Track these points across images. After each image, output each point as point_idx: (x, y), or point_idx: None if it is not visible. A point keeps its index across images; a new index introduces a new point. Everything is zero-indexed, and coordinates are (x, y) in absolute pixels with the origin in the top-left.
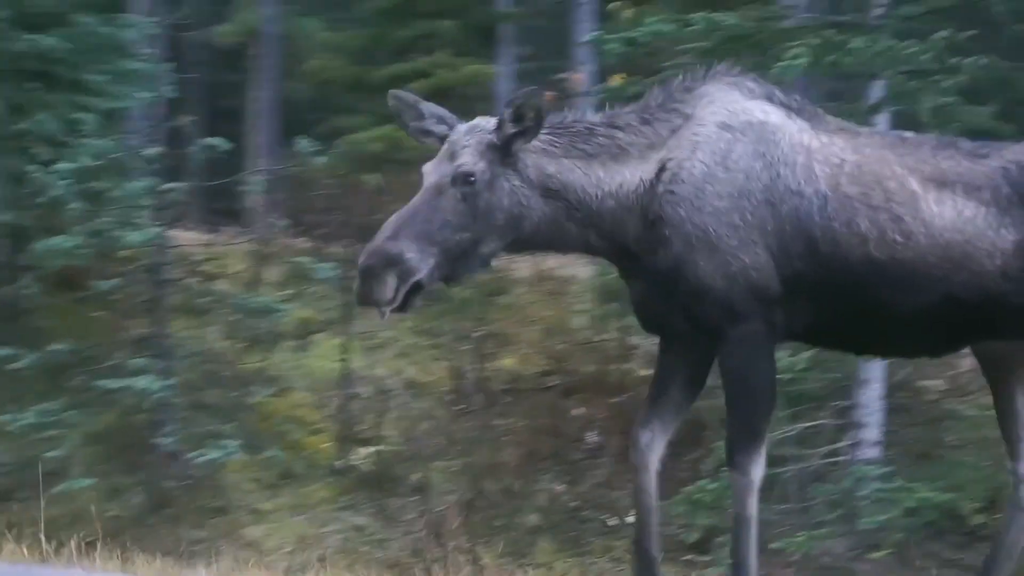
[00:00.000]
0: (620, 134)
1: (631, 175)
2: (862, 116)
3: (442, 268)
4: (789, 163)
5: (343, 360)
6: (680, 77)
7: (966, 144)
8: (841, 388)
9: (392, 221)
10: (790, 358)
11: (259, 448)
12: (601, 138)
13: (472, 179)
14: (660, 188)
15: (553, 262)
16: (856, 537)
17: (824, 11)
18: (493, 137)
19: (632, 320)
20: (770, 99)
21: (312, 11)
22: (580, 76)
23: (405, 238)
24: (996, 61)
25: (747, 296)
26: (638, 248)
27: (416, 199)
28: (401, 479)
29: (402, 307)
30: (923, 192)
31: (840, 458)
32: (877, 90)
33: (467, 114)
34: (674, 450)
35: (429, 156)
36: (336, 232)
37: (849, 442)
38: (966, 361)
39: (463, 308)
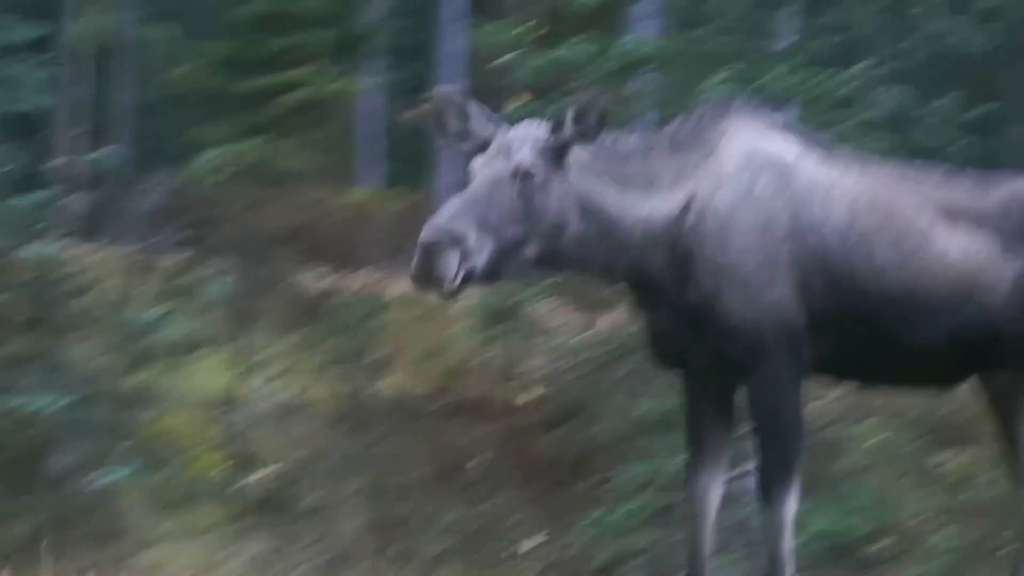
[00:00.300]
0: (652, 163)
1: (659, 206)
2: None
3: (492, 260)
4: (810, 197)
5: (232, 378)
6: (703, 109)
7: (970, 175)
8: (742, 411)
9: (454, 204)
10: None
11: (152, 470)
12: (635, 164)
13: (531, 176)
14: (687, 222)
15: None
16: (760, 563)
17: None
18: (551, 139)
19: (515, 341)
20: (789, 132)
21: (172, 19)
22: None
23: (468, 221)
24: (913, 93)
25: (775, 332)
26: (664, 280)
27: (473, 189)
28: (298, 501)
29: (454, 292)
30: (934, 224)
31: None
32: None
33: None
34: (577, 474)
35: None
36: (215, 245)
37: (743, 469)
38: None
39: (345, 326)
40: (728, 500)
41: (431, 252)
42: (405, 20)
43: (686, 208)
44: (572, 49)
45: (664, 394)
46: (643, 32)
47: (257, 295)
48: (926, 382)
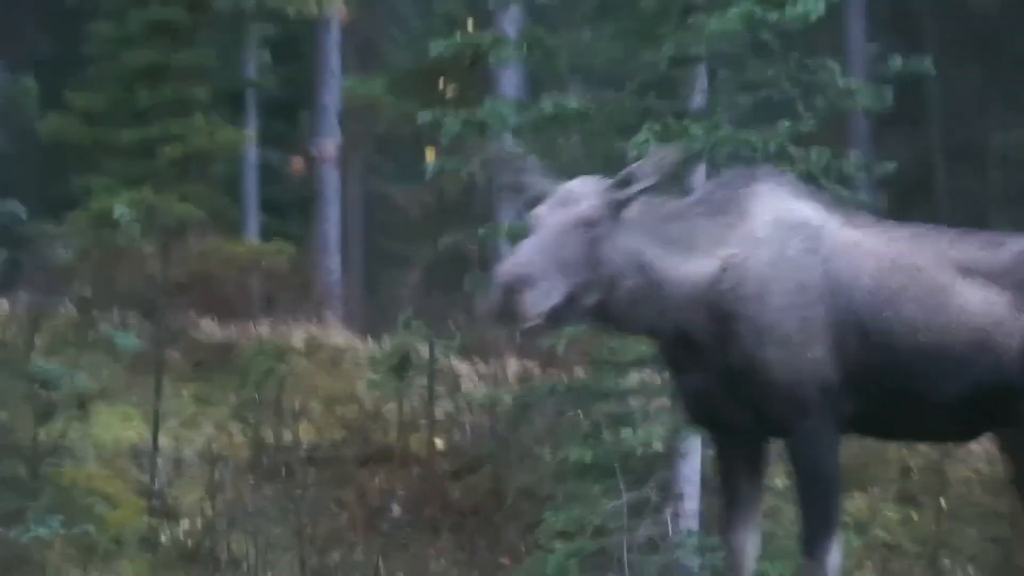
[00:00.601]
0: (690, 225)
1: (699, 268)
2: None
3: (560, 304)
4: (838, 258)
5: (142, 429)
6: (732, 174)
7: (980, 234)
8: (664, 459)
9: (527, 246)
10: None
11: (72, 523)
12: (677, 225)
13: (595, 226)
14: (725, 285)
15: (329, 331)
16: None
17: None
18: (614, 192)
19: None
20: (811, 198)
21: (45, 70)
22: (329, 146)
23: (541, 263)
24: (835, 152)
25: (814, 390)
26: (704, 340)
27: (542, 234)
28: (220, 552)
29: (532, 330)
30: (953, 280)
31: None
32: (700, 176)
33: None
34: (501, 519)
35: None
36: (116, 297)
37: (671, 512)
38: None
39: (253, 375)
40: (652, 548)
41: (510, 291)
42: (283, 71)
43: (724, 270)
44: (492, 108)
45: (587, 442)
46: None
47: (161, 346)
48: (943, 436)
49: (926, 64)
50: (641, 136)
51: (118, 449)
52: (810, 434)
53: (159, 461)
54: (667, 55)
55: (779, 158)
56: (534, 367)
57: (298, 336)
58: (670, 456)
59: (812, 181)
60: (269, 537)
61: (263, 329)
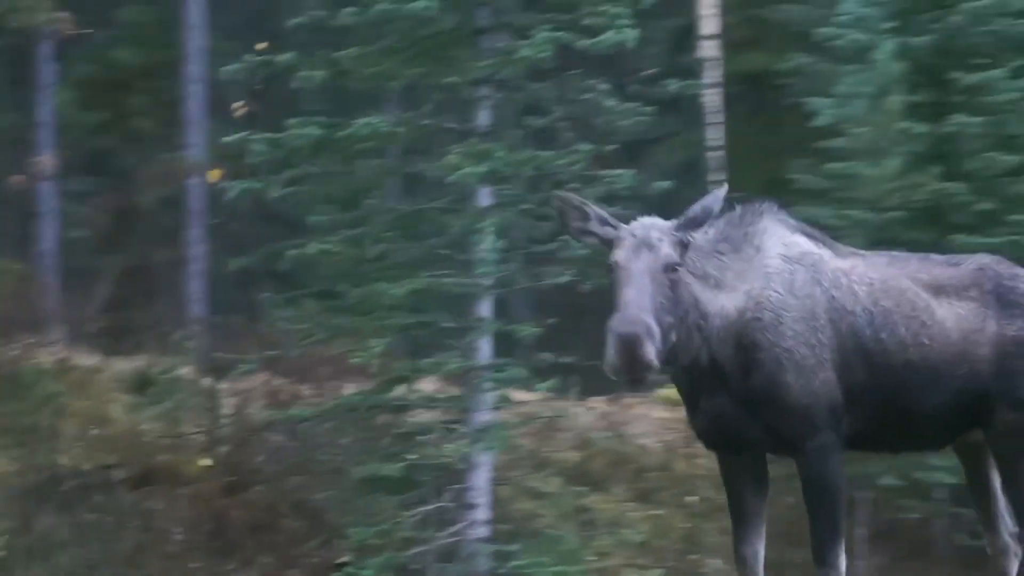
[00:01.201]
0: (718, 261)
1: (730, 302)
2: (472, 218)
3: (664, 348)
4: (837, 286)
5: None
6: (741, 211)
7: (935, 256)
8: (458, 472)
9: (633, 298)
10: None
11: None
12: (712, 262)
13: (678, 269)
14: (747, 316)
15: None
16: None
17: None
18: (682, 233)
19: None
20: (804, 232)
21: None
22: (46, 162)
23: (649, 313)
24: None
25: (824, 409)
26: (730, 369)
27: (639, 283)
28: None
29: (648, 377)
30: (928, 299)
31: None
32: (484, 196)
33: None
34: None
35: None
36: None
37: (465, 523)
38: None
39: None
40: (447, 557)
41: (634, 344)
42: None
43: (746, 302)
44: (298, 132)
45: (383, 455)
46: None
47: None
48: (925, 445)
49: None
50: (453, 159)
51: None
52: (820, 450)
53: None
54: (460, 79)
55: (582, 180)
56: (286, 383)
57: (45, 357)
58: (463, 468)
59: (614, 202)
60: (53, 565)
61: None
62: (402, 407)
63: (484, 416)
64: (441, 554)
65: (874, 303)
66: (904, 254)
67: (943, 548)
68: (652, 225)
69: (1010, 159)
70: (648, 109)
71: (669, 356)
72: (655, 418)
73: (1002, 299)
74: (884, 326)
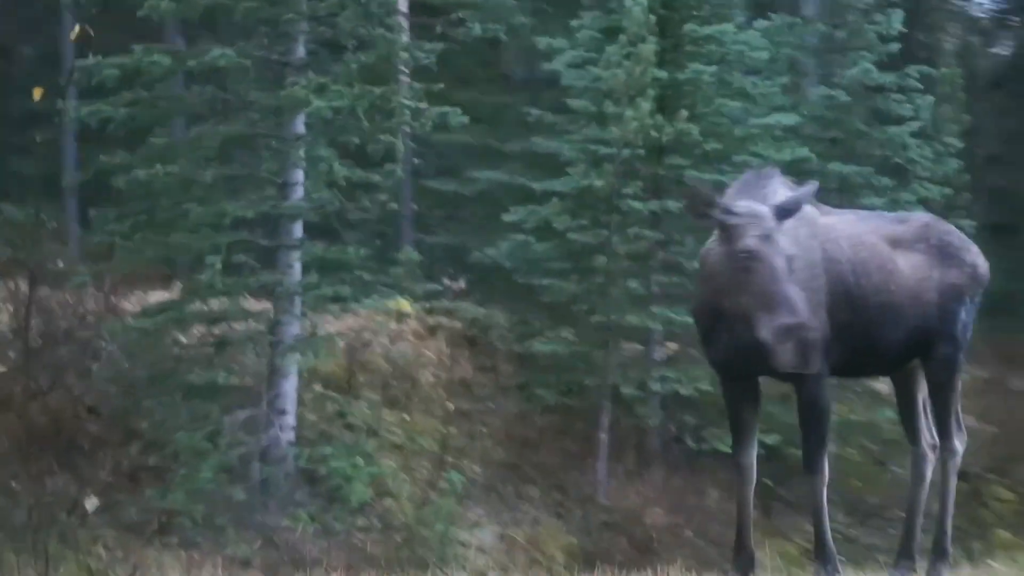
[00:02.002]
0: None
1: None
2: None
3: None
4: (827, 239)
5: None
6: (751, 175)
7: (888, 214)
8: (272, 381)
9: (785, 291)
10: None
11: None
12: None
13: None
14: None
15: None
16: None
17: None
18: (780, 220)
19: None
20: (795, 189)
21: None
22: None
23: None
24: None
25: (820, 343)
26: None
27: (781, 275)
28: None
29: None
30: (891, 251)
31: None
32: (300, 124)
33: None
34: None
35: None
36: None
37: (277, 427)
38: None
39: None
40: (265, 458)
41: (796, 331)
42: None
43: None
44: (149, 59)
45: (203, 367)
46: None
47: None
48: (882, 371)
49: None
50: (298, 91)
51: None
52: (815, 379)
53: None
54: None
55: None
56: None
57: None
58: (273, 376)
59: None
60: None
61: None
62: (218, 319)
63: (293, 330)
64: (261, 456)
65: (855, 254)
66: (864, 212)
67: (675, 452)
68: (765, 215)
69: (734, 104)
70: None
71: None
72: (393, 330)
73: (943, 252)
74: (863, 274)
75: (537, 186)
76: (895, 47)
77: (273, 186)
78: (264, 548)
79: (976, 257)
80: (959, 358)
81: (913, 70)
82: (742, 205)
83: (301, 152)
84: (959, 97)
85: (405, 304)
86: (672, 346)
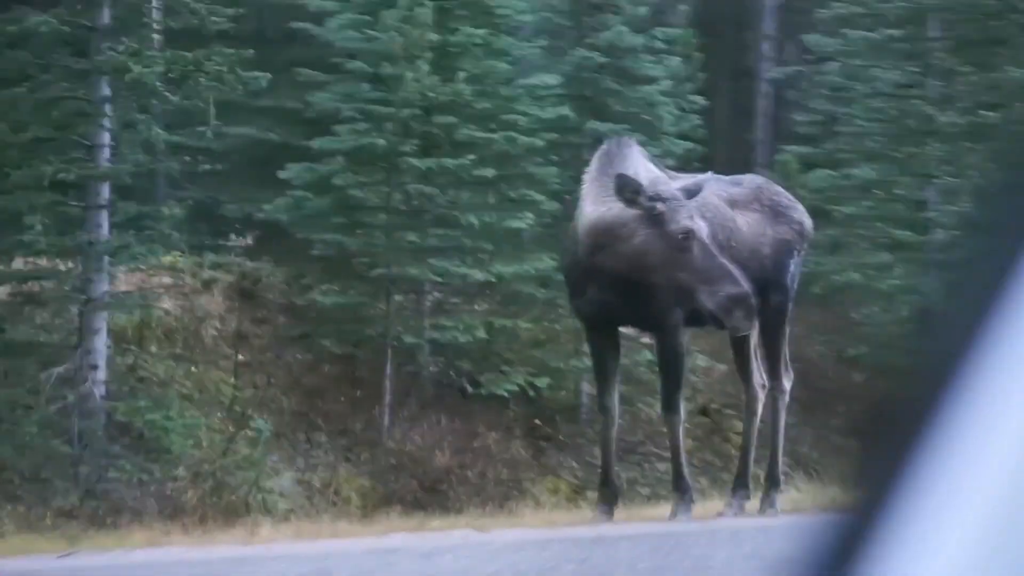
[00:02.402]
0: None
1: None
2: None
3: None
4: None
5: None
6: (608, 149)
7: (724, 177)
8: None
9: (731, 265)
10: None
11: None
12: None
13: None
14: None
15: None
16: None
17: None
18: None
19: None
20: (652, 160)
21: None
22: None
23: None
24: None
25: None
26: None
27: (711, 250)
28: None
29: None
30: (733, 211)
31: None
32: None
33: None
34: None
35: None
36: None
37: (90, 382)
38: None
39: None
40: (80, 411)
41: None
42: None
43: None
44: None
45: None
46: None
47: None
48: None
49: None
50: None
51: None
52: (674, 328)
53: None
54: None
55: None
56: None
57: None
58: (84, 333)
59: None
60: None
61: None
62: (28, 277)
63: (102, 287)
64: (78, 410)
65: (702, 215)
66: (706, 176)
67: (453, 397)
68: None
69: (503, 67)
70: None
71: None
72: (167, 284)
73: (774, 210)
74: (714, 234)
75: (317, 143)
76: (643, 10)
77: (81, 148)
78: (87, 499)
79: (803, 216)
80: (789, 306)
81: (659, 32)
82: (666, 191)
83: (107, 115)
84: (695, 56)
85: (176, 259)
86: (446, 296)
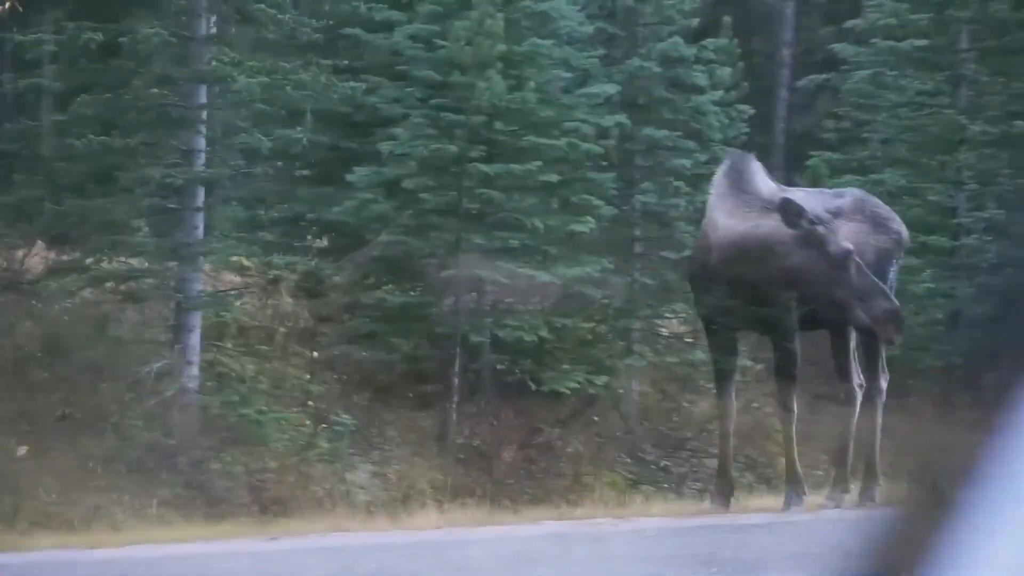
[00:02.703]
0: None
1: None
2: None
3: None
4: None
5: None
6: (739, 162)
7: (826, 190)
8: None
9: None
10: None
11: None
12: None
13: None
14: None
15: None
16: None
17: None
18: None
19: None
20: (772, 178)
21: None
22: None
23: None
24: None
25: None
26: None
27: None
28: None
29: None
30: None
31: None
32: (203, 95)
33: None
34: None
35: None
36: None
37: (185, 377)
38: None
39: None
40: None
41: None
42: None
43: None
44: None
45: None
46: None
47: None
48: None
49: None
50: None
51: None
52: (790, 333)
53: None
54: None
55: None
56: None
57: None
58: (179, 331)
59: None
60: None
61: None
62: (127, 277)
63: (197, 287)
64: (175, 404)
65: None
66: (806, 188)
67: (515, 391)
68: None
69: (564, 75)
70: None
71: None
72: (239, 283)
73: (875, 221)
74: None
75: (385, 148)
76: (695, 22)
77: (178, 153)
78: (188, 490)
79: (900, 226)
80: None
81: (709, 43)
82: (823, 214)
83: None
84: (738, 66)
85: (244, 260)
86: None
